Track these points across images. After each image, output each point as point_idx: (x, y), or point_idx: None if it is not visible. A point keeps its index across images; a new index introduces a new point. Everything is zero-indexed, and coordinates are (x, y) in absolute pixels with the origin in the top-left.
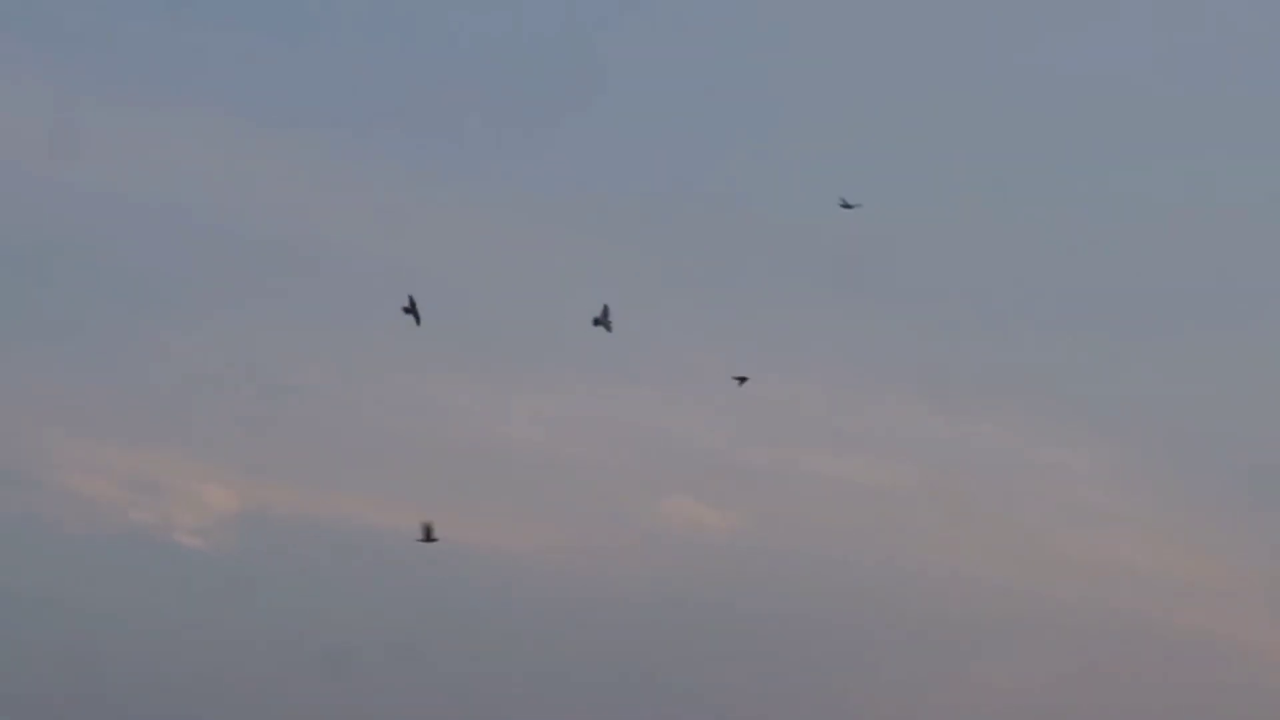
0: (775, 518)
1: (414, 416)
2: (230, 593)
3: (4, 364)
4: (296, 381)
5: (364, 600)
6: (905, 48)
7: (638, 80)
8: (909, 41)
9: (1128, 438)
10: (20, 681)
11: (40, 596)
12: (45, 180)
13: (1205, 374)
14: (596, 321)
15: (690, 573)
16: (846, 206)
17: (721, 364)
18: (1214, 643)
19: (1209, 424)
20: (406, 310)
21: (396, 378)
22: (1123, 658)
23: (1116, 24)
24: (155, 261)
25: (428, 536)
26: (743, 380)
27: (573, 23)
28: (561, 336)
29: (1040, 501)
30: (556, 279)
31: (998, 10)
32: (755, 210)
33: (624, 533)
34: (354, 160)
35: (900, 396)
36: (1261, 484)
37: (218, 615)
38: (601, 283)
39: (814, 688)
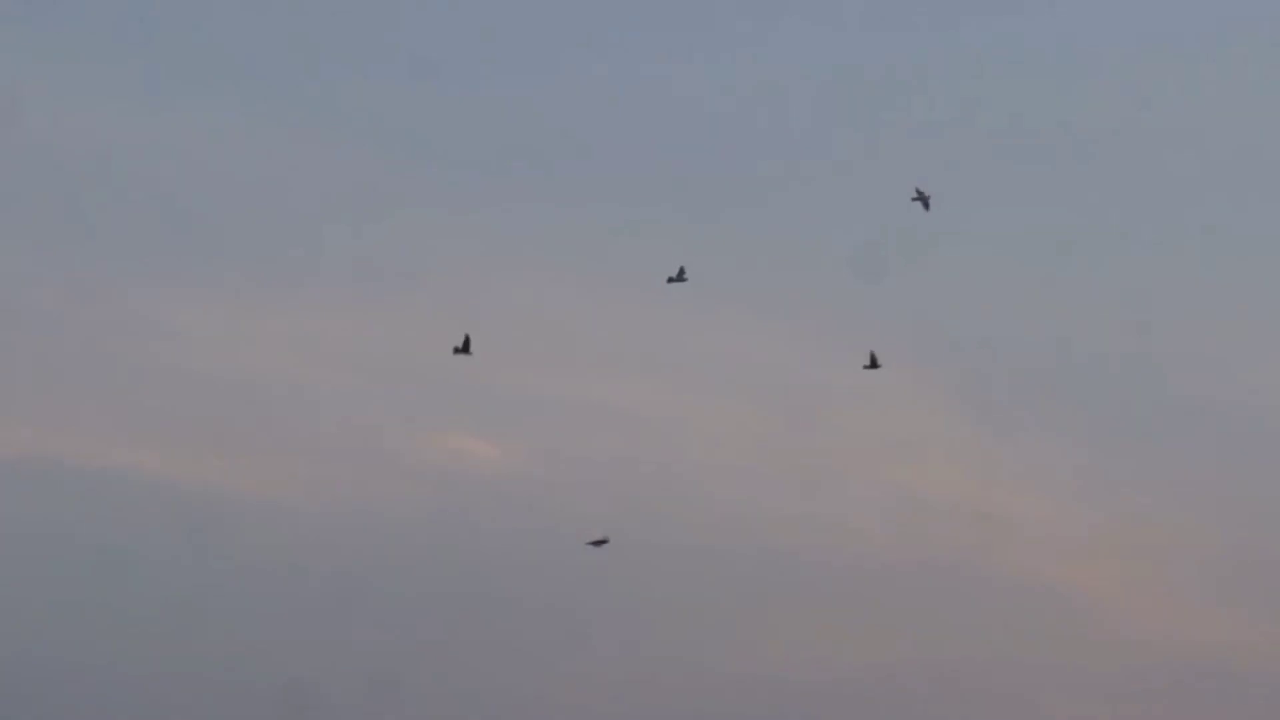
0: (556, 450)
1: (153, 342)
2: None
3: None
4: (16, 303)
5: (104, 549)
6: None
7: None
8: None
9: (952, 366)
10: None
11: None
12: None
13: (1046, 303)
14: (671, 280)
15: (466, 509)
16: (920, 198)
17: (500, 290)
18: (1041, 587)
19: (1046, 356)
20: (458, 350)
21: (134, 300)
22: (944, 601)
23: None
24: None
25: (600, 541)
26: (874, 364)
27: None
28: (323, 257)
29: (849, 432)
30: (309, 194)
31: None
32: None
33: (393, 470)
34: (99, 67)
35: (697, 320)
36: (1088, 420)
37: None
38: (357, 201)
39: (597, 623)
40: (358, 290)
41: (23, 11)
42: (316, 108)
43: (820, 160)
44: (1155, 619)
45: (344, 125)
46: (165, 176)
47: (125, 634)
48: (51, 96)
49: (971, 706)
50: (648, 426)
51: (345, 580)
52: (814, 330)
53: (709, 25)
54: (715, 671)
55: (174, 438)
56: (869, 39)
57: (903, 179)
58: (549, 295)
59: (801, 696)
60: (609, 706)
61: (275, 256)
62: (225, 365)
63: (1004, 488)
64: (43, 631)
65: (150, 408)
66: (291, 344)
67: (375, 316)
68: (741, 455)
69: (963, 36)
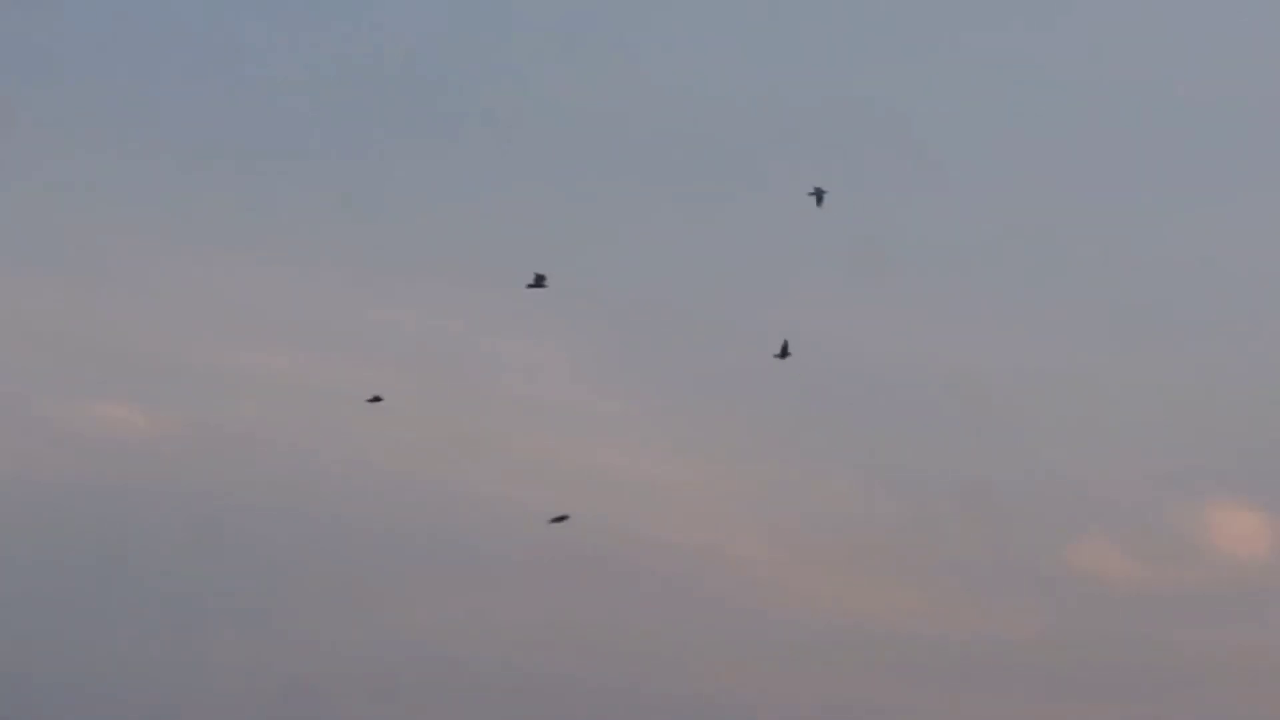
0: (207, 419)
1: None
2: None
3: None
4: None
5: None
6: None
7: None
8: None
9: (603, 331)
10: None
11: None
12: None
13: (696, 258)
14: (530, 285)
15: (113, 476)
16: (815, 194)
17: (153, 259)
18: (699, 554)
19: (699, 318)
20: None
21: None
22: (600, 571)
23: None
24: None
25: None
26: (785, 353)
27: None
28: None
29: (509, 404)
30: None
31: None
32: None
33: (40, 437)
34: None
35: (359, 292)
36: (745, 390)
37: None
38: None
39: (246, 595)
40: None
41: None
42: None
43: (489, 137)
44: (806, 587)
45: (29, 97)
46: None
47: None
48: None
49: (625, 676)
50: (303, 396)
51: None
52: (478, 304)
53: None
54: (383, 644)
55: None
56: None
57: (566, 156)
58: (205, 266)
59: (459, 671)
60: (249, 684)
61: None
62: None
63: (661, 458)
64: None
65: None
66: None
67: (22, 283)
68: (403, 427)
69: None
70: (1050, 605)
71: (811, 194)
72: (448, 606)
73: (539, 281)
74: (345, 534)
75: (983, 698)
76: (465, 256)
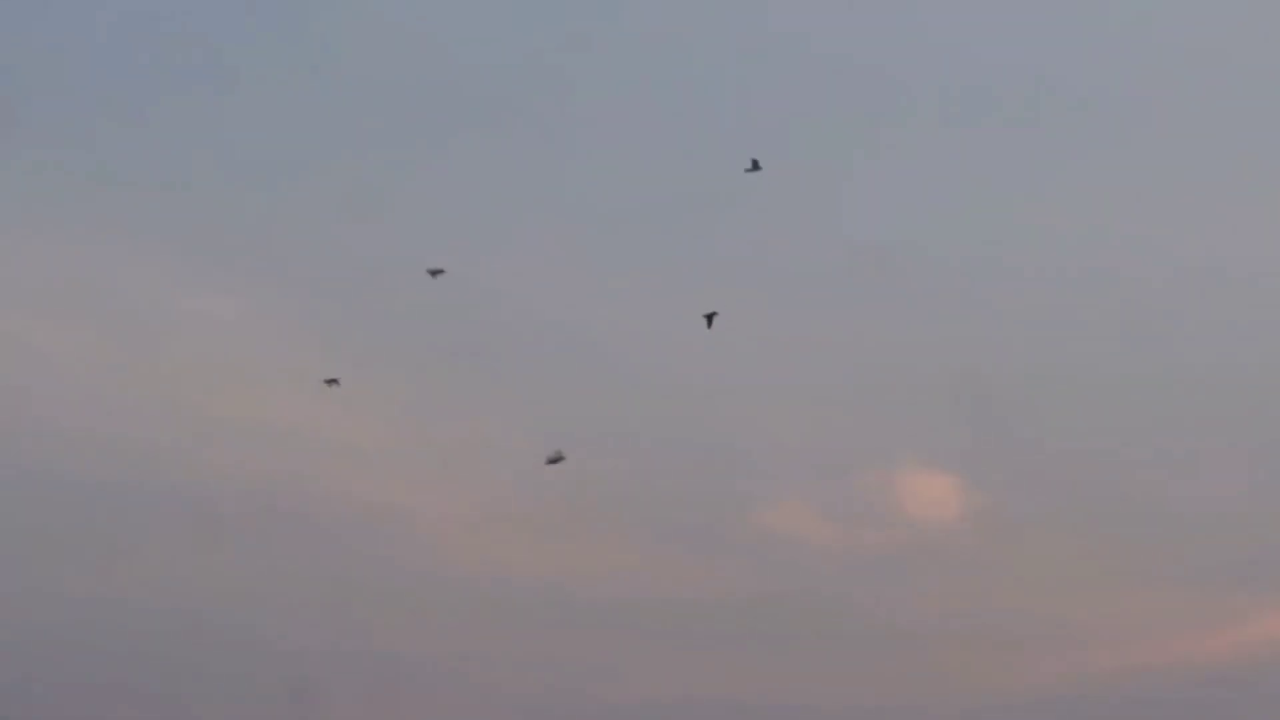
0: None
1: None
2: None
3: None
4: None
5: None
6: None
7: None
8: None
9: (307, 290)
10: None
11: None
12: None
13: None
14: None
15: None
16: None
17: None
18: (392, 513)
19: (402, 278)
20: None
21: None
22: (287, 530)
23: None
24: None
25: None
26: (711, 318)
27: None
28: None
29: (189, 355)
30: None
31: None
32: None
33: None
34: None
35: (37, 244)
36: (443, 348)
37: None
38: None
39: None
40: None
41: None
42: None
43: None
44: (500, 549)
45: None
46: None
47: None
48: None
49: (314, 635)
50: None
51: None
52: (181, 261)
53: None
54: (61, 599)
55: None
56: None
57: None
58: None
59: (153, 622)
60: None
61: None
62: None
63: (347, 415)
64: None
65: None
66: None
67: None
68: (85, 380)
69: None
70: (746, 566)
71: (749, 169)
72: (146, 564)
73: (436, 271)
74: (39, 485)
75: (680, 657)
76: (171, 215)
